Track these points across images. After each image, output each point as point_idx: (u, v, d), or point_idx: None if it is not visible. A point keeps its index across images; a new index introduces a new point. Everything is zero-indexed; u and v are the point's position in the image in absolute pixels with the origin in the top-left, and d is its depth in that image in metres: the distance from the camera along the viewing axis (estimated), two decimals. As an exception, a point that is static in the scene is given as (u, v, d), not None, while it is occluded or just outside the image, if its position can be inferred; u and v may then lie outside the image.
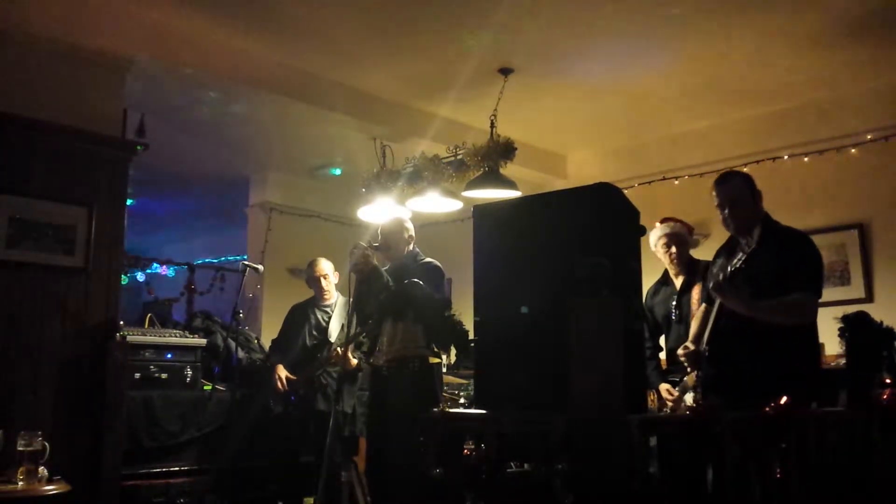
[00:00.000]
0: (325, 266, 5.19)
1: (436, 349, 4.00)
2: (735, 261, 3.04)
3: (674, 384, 3.91)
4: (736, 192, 3.21)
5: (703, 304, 3.43)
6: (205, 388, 4.89)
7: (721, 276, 3.05)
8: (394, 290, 3.93)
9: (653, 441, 2.48)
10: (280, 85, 5.10)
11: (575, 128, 6.30)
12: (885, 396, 2.74)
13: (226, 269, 7.40)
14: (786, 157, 5.70)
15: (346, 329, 4.59)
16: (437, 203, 4.79)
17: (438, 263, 4.15)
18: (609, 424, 2.20)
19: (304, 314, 5.17)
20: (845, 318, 3.07)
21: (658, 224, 4.28)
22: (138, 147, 4.31)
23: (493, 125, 4.71)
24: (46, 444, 3.48)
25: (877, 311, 3.21)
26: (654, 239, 4.26)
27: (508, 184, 4.65)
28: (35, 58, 4.11)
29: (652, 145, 6.47)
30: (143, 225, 8.50)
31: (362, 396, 4.84)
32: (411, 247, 4.25)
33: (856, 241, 5.43)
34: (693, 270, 4.12)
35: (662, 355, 4.25)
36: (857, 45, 4.80)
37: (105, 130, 4.23)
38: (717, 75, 5.27)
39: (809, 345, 3.15)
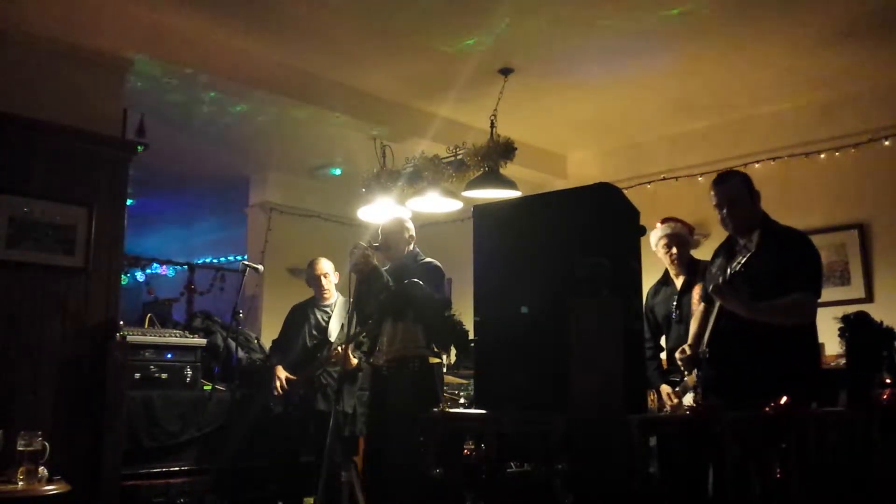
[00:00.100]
0: (326, 265, 5.19)
1: (436, 349, 4.00)
2: (735, 264, 3.05)
3: (674, 384, 3.91)
4: (734, 191, 3.21)
5: (702, 304, 3.43)
6: (205, 388, 4.89)
7: (720, 279, 3.06)
8: (394, 290, 3.93)
9: (653, 441, 2.48)
10: (280, 85, 5.10)
11: (575, 128, 6.30)
12: (885, 396, 2.74)
13: (226, 269, 7.40)
14: (785, 157, 5.70)
15: (345, 329, 4.60)
16: (437, 203, 4.79)
17: (438, 263, 4.15)
18: (609, 424, 2.20)
19: (304, 314, 5.17)
20: (845, 318, 3.07)
21: (659, 224, 4.28)
22: (138, 147, 4.31)
23: (493, 125, 4.71)
24: (46, 444, 3.48)
25: (877, 311, 3.20)
26: (655, 239, 4.26)
27: (508, 184, 4.65)
28: (35, 58, 4.11)
29: (652, 145, 6.47)
30: (143, 225, 8.50)
31: (362, 396, 4.85)
32: (411, 247, 4.25)
33: (856, 241, 5.43)
34: (693, 270, 4.12)
35: (663, 355, 4.25)
36: (857, 45, 4.80)
37: (105, 130, 4.23)
38: (717, 75, 5.27)
39: (809, 345, 3.15)
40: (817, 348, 3.33)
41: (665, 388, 4.00)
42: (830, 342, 3.53)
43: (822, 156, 5.58)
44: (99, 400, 3.99)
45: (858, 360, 2.98)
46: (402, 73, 5.23)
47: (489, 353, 2.74)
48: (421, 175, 4.74)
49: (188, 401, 4.69)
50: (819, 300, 3.12)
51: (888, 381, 2.81)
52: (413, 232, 4.28)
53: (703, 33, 4.67)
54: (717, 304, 3.16)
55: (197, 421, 4.67)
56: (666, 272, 4.32)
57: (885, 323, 3.06)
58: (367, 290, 4.03)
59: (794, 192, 5.52)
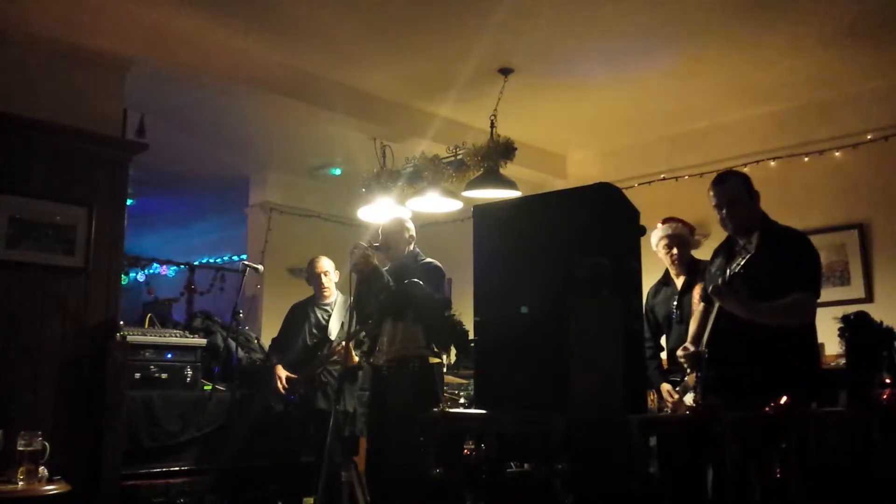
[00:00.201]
0: (326, 264, 5.19)
1: (436, 349, 4.00)
2: (734, 264, 3.04)
3: (675, 384, 3.91)
4: (733, 191, 3.20)
5: (702, 304, 3.43)
6: (205, 388, 4.89)
7: (720, 280, 3.06)
8: (394, 290, 3.93)
9: (653, 441, 2.48)
10: (280, 85, 5.10)
11: (575, 128, 6.30)
12: (885, 396, 2.74)
13: (226, 269, 7.40)
14: (786, 157, 5.70)
15: (345, 327, 4.60)
16: (437, 203, 4.79)
17: (439, 263, 4.15)
18: (609, 424, 2.20)
19: (304, 313, 5.17)
20: (845, 318, 3.07)
21: (660, 224, 4.28)
22: (139, 147, 4.31)
23: (493, 125, 4.71)
24: (46, 444, 3.48)
25: (877, 311, 3.20)
26: (656, 240, 4.26)
27: (508, 184, 4.65)
28: (35, 58, 4.11)
29: (652, 145, 6.47)
30: (143, 225, 8.50)
31: (362, 396, 4.85)
32: (412, 247, 4.26)
33: (856, 241, 5.43)
34: (694, 270, 4.12)
35: (664, 355, 4.25)
36: (856, 45, 4.80)
37: (105, 130, 4.24)
38: (717, 75, 5.27)
39: (809, 345, 3.15)
40: (817, 348, 3.33)
41: (665, 386, 4.00)
42: (830, 342, 3.53)
43: (822, 156, 5.58)
44: (99, 400, 3.99)
45: (858, 360, 2.98)
46: (402, 73, 5.23)
47: (489, 353, 2.74)
48: (421, 175, 4.74)
49: (188, 401, 4.68)
50: (819, 300, 3.12)
51: (888, 381, 2.81)
52: (413, 232, 4.29)
53: (703, 33, 4.67)
54: (717, 305, 3.16)
55: (197, 421, 4.67)
56: (666, 272, 4.32)
57: (885, 323, 3.05)
58: (367, 290, 4.04)
59: (794, 192, 5.52)
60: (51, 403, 3.89)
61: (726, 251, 3.28)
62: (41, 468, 3.45)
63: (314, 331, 5.10)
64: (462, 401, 4.78)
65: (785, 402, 2.44)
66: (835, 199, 5.54)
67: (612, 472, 2.18)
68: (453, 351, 4.54)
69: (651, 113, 5.95)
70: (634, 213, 2.76)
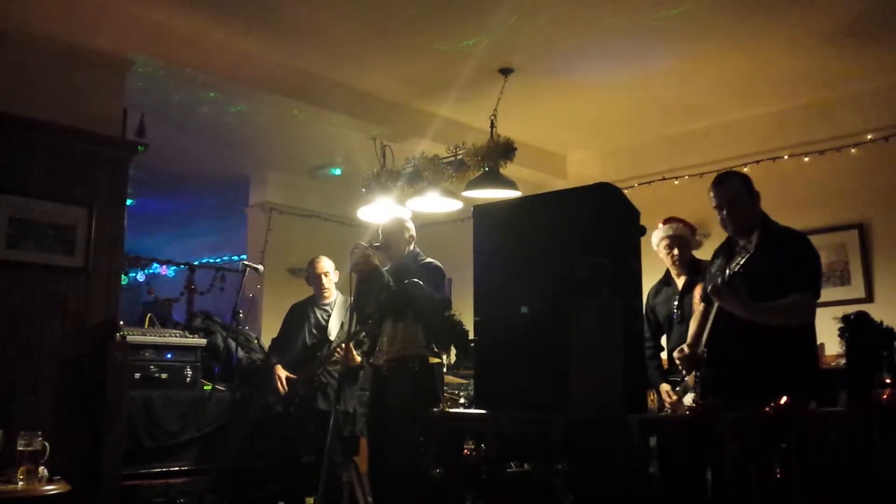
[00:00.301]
0: (326, 264, 5.19)
1: (436, 349, 4.00)
2: (734, 264, 3.04)
3: (675, 384, 3.91)
4: (734, 192, 3.20)
5: (702, 304, 3.43)
6: (205, 388, 4.89)
7: (720, 280, 3.06)
8: (394, 290, 3.93)
9: (653, 441, 2.48)
10: (280, 85, 5.10)
11: (575, 128, 6.30)
12: (885, 396, 2.74)
13: (226, 269, 7.40)
14: (786, 157, 5.70)
15: (345, 327, 4.59)
16: (437, 203, 4.79)
17: (439, 263, 4.15)
18: (609, 424, 2.20)
19: (304, 313, 5.17)
20: (845, 318, 3.07)
21: (661, 225, 4.28)
22: (138, 147, 4.31)
23: (493, 125, 4.71)
24: (46, 444, 3.48)
25: (877, 311, 3.20)
26: (657, 240, 4.26)
27: (508, 184, 4.65)
28: (35, 58, 4.11)
29: (652, 145, 6.47)
30: (143, 225, 8.50)
31: (362, 396, 4.84)
32: (412, 247, 4.25)
33: (856, 241, 5.43)
34: (695, 270, 4.12)
35: (663, 355, 4.25)
36: (857, 45, 4.80)
37: (105, 130, 4.23)
38: (717, 75, 5.27)
39: (808, 345, 3.15)
40: (815, 348, 3.33)
41: (664, 387, 4.00)
42: (830, 342, 3.53)
43: (822, 156, 5.58)
44: (99, 400, 3.99)
45: (858, 360, 2.98)
46: (402, 73, 5.23)
47: (489, 353, 2.74)
48: (421, 175, 4.74)
49: (188, 401, 4.68)
50: (819, 300, 3.12)
51: (888, 381, 2.81)
52: (413, 232, 4.28)
53: (703, 33, 4.67)
54: (716, 305, 3.16)
55: (197, 421, 4.67)
56: (667, 272, 4.32)
57: (885, 323, 3.05)
58: (367, 290, 4.04)
59: (794, 192, 5.51)
60: (51, 403, 3.89)
61: (726, 251, 3.28)
62: (41, 468, 3.45)
63: (314, 331, 5.09)
64: (462, 401, 4.78)
65: (785, 402, 2.44)
66: (835, 199, 5.54)
67: (612, 472, 2.18)
68: (453, 351, 4.54)
69: (651, 113, 5.95)
70: (634, 213, 2.76)
